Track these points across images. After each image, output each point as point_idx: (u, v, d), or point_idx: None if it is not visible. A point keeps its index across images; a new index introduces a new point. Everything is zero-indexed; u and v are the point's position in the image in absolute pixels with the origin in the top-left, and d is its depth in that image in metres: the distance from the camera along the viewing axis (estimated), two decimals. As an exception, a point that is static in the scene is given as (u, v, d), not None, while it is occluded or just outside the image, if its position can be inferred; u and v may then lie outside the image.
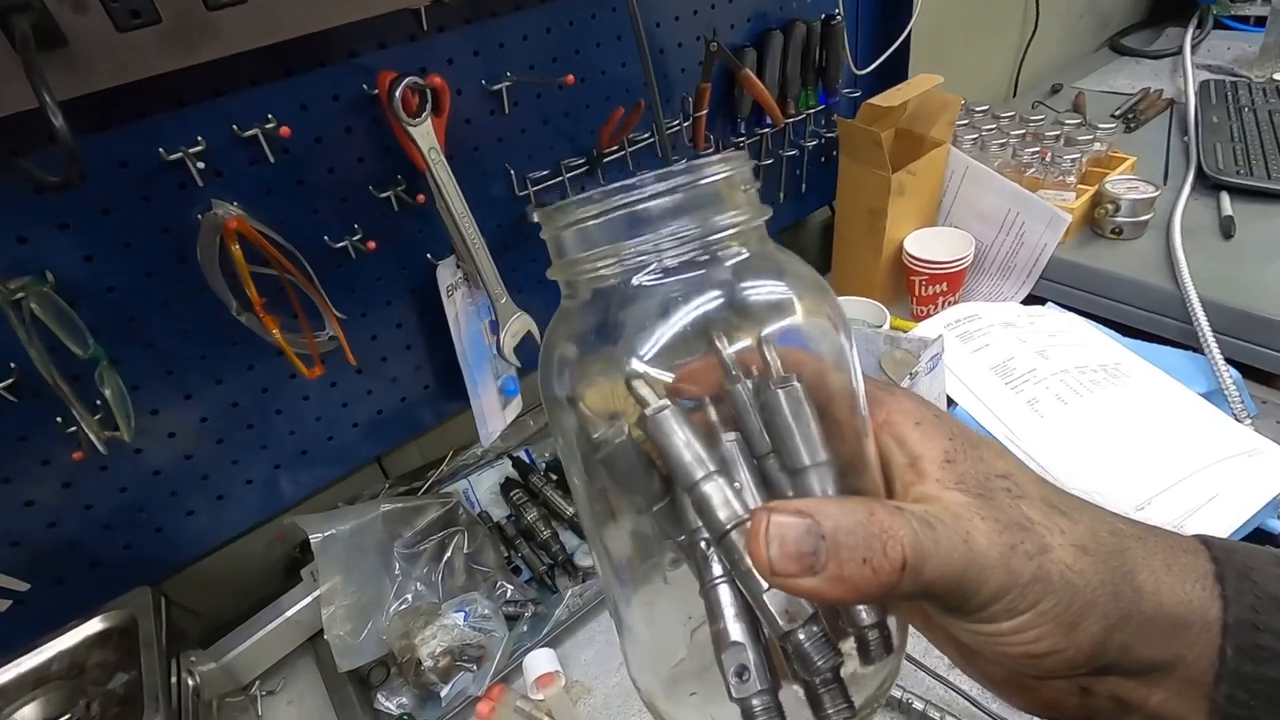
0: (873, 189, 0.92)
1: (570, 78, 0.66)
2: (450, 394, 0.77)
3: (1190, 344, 0.80)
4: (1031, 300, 0.96)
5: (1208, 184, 1.01)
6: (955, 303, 0.96)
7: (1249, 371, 0.79)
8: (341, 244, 0.61)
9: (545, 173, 0.72)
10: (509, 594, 0.71)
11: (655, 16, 0.74)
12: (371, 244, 0.61)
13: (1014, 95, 1.44)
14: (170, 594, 0.69)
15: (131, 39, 0.44)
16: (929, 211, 1.01)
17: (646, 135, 0.77)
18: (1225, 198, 0.97)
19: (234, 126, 0.54)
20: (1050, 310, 0.88)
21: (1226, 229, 0.92)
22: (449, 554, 0.73)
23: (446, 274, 0.66)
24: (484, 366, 0.74)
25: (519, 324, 0.68)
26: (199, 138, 0.52)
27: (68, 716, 0.51)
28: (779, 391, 0.24)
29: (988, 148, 1.01)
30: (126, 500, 0.61)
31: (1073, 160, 0.95)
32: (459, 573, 0.73)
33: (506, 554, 0.77)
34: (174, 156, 0.51)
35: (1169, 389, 0.74)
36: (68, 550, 0.59)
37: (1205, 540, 0.24)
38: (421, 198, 0.62)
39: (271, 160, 0.56)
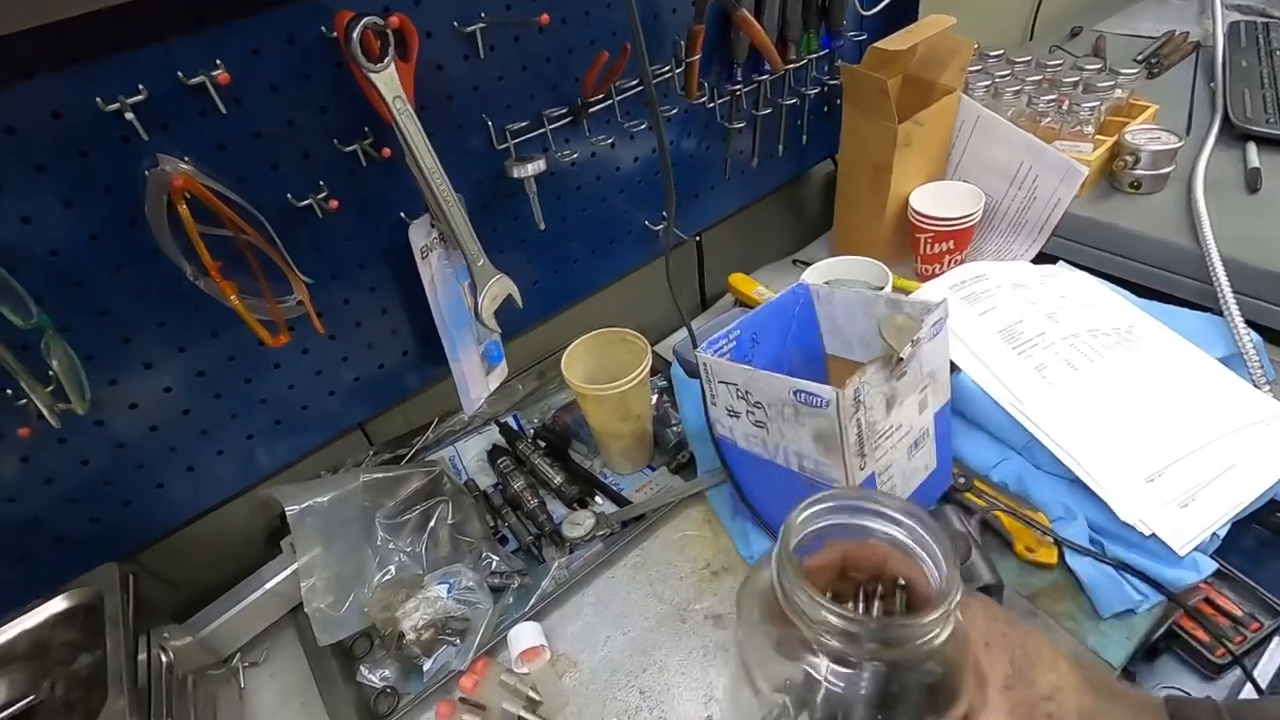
0: (877, 141, 0.87)
1: (545, 17, 0.61)
2: (432, 359, 0.74)
3: (1209, 305, 0.76)
4: (1042, 259, 0.91)
5: (1234, 134, 0.95)
6: (962, 261, 0.92)
7: (1270, 334, 0.75)
8: (305, 202, 0.57)
9: (525, 124, 0.67)
10: (494, 565, 0.70)
11: (643, -50, 0.68)
12: (334, 202, 0.57)
13: (1030, 39, 1.36)
14: (148, 566, 0.68)
15: (48, -27, 0.39)
16: (937, 165, 0.96)
17: (635, 83, 0.72)
18: (1252, 149, 0.92)
19: (179, 74, 0.49)
20: (1061, 270, 0.84)
21: (1252, 182, 0.87)
22: (433, 524, 0.71)
23: (420, 234, 0.62)
24: (465, 331, 0.70)
25: (498, 287, 0.64)
26: (139, 86, 0.48)
27: (31, 699, 0.49)
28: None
29: (1001, 95, 0.95)
30: (90, 474, 0.58)
31: (1091, 109, 0.89)
32: (443, 543, 0.71)
33: (493, 523, 0.75)
34: (112, 107, 0.47)
35: (1185, 353, 0.71)
36: (31, 526, 0.57)
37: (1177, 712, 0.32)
38: (388, 151, 0.58)
39: (223, 111, 0.51)
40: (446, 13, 0.59)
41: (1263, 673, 0.65)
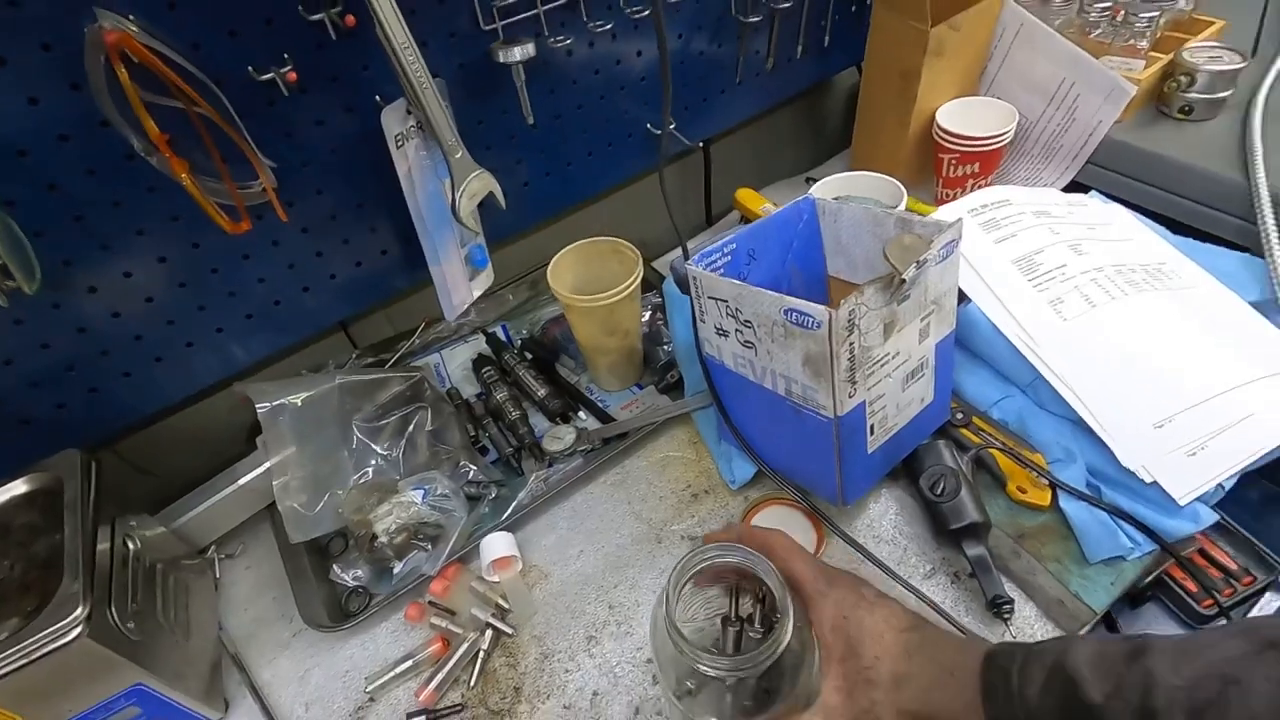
0: (907, 46, 0.80)
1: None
2: (415, 260, 0.70)
3: (1249, 246, 0.71)
4: (1073, 188, 0.85)
5: (1306, 58, 0.86)
6: (986, 186, 0.85)
7: (1311, 280, 0.69)
8: (268, 76, 0.53)
9: (515, 0, 0.61)
10: (472, 474, 0.68)
11: None
12: (293, 75, 0.52)
13: (1091, -56, 1.23)
14: (127, 456, 0.67)
15: None
16: (970, 78, 0.88)
17: (641, -39, 0.65)
18: (1323, 75, 0.83)
19: (115, -87, 0.44)
20: (1093, 200, 0.78)
21: (1317, 113, 0.79)
22: (411, 430, 0.70)
23: (394, 120, 0.57)
24: (446, 232, 0.66)
25: (478, 183, 0.60)
26: (70, -75, 0.42)
27: (-10, 576, 0.49)
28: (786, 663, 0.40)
29: (1050, 1, 0.86)
30: (51, 358, 0.56)
31: (1149, 19, 0.81)
32: (421, 450, 0.70)
33: (473, 433, 0.73)
34: (39, -53, 0.42)
35: (1216, 295, 0.66)
36: (-7, 406, 0.56)
37: (989, 661, 0.38)
38: (352, 19, 0.52)
39: (169, -38, 0.46)
40: None
41: (1248, 626, 0.64)
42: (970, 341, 0.66)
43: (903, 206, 0.73)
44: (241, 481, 0.66)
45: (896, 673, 0.40)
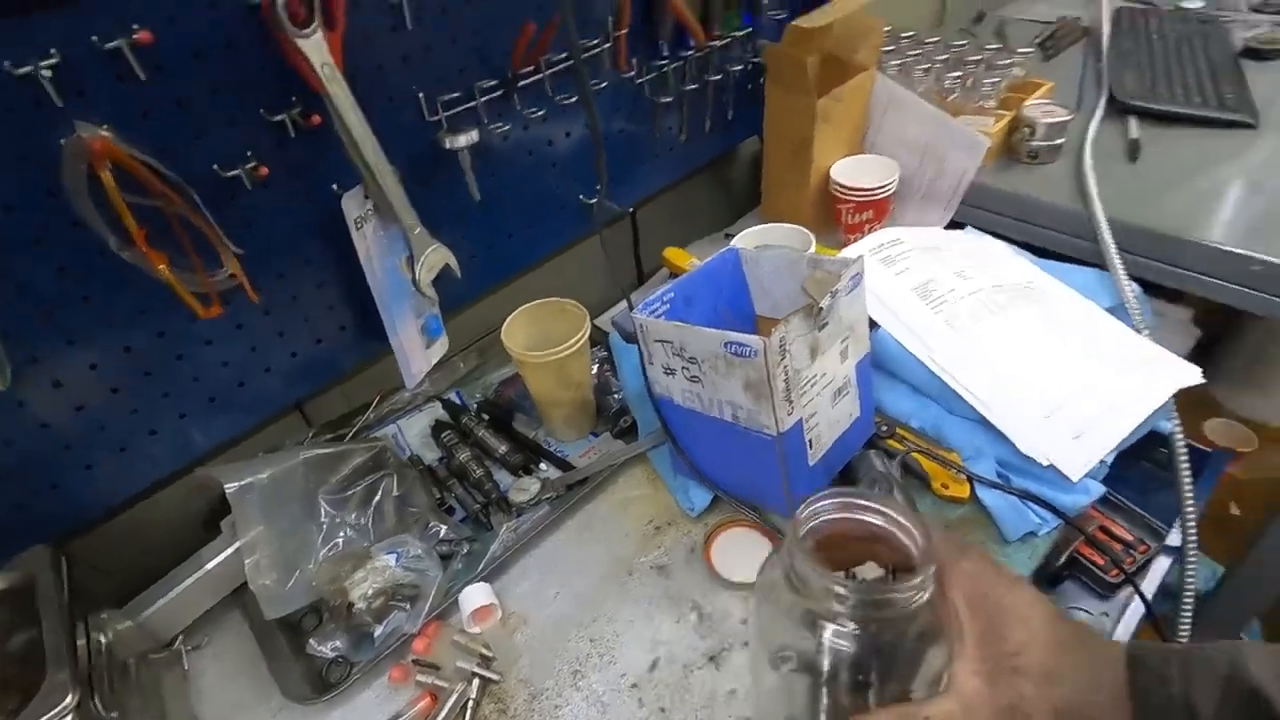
0: (799, 116, 0.91)
1: (472, -14, 0.62)
2: (371, 334, 0.74)
3: (1098, 262, 0.84)
4: (953, 225, 0.98)
5: (1117, 109, 1.04)
6: (881, 229, 0.97)
7: (1151, 287, 0.83)
8: (234, 173, 0.57)
9: (456, 95, 0.68)
10: (442, 533, 0.71)
11: (568, -75, 0.70)
12: (263, 170, 0.57)
13: (942, 24, 1.44)
14: (82, 554, 0.66)
15: (-50, -73, 0.38)
16: (855, 139, 1.01)
17: (565, 56, 0.74)
18: (1133, 122, 1.00)
19: (93, 38, 0.48)
20: (969, 234, 0.90)
21: (1133, 152, 0.95)
22: (378, 498, 0.72)
23: (354, 205, 0.62)
24: (403, 304, 0.71)
25: (435, 256, 0.65)
26: (51, 50, 0.46)
27: (-37, 681, 0.48)
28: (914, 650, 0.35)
29: (912, 74, 1.01)
30: (12, 456, 0.56)
31: (992, 84, 0.96)
32: (389, 516, 0.72)
33: (439, 495, 0.76)
34: (23, 71, 0.46)
35: (1077, 304, 0.77)
36: (-51, 512, 0.55)
37: (1136, 662, 0.35)
38: (317, 119, 0.58)
39: (143, 77, 0.51)
40: (372, -18, 0.59)
41: (1149, 587, 0.73)
42: (885, 362, 0.74)
43: (812, 250, 0.82)
44: (208, 567, 0.66)
45: (1049, 666, 0.35)
